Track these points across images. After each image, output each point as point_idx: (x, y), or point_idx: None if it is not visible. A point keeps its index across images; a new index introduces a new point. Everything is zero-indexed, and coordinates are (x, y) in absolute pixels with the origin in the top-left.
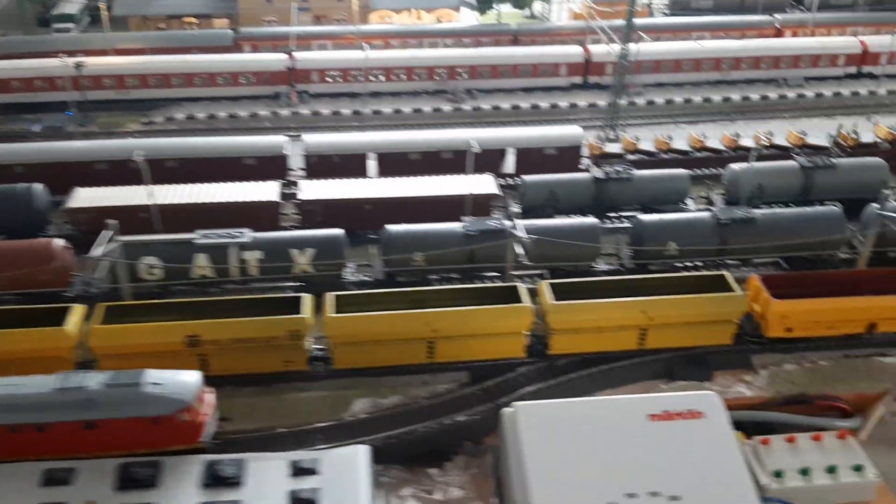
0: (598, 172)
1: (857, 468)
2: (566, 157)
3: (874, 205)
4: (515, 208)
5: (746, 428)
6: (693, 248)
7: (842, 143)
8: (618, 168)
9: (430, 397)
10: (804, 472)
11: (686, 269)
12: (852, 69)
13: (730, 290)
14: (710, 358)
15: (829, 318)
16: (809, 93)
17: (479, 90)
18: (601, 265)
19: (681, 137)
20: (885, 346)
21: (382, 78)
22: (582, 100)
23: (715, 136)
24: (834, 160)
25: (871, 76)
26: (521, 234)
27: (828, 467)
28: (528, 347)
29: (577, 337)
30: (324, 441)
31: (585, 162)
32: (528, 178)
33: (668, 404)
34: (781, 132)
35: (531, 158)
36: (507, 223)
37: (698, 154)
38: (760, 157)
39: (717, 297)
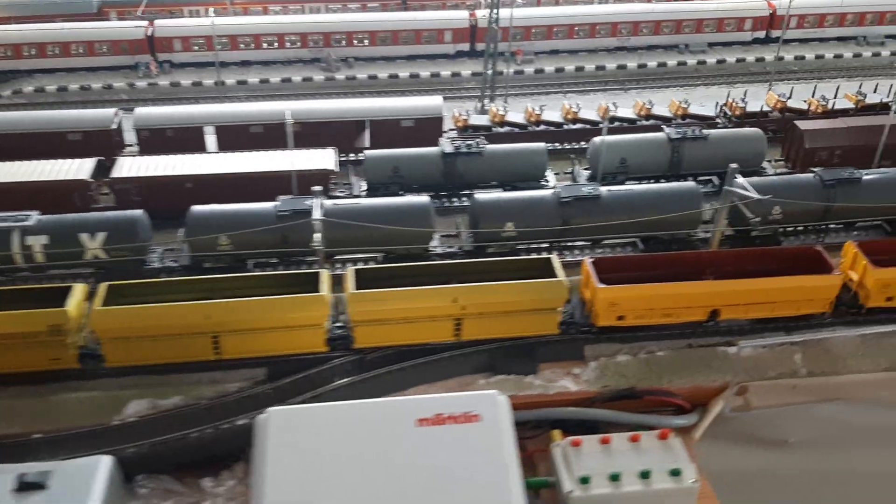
0: (446, 146)
1: (675, 472)
2: (425, 129)
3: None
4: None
5: (571, 427)
6: (532, 230)
7: (728, 112)
8: (468, 142)
9: (215, 398)
10: (614, 477)
11: (530, 252)
12: (761, 33)
13: (554, 275)
14: (538, 349)
15: (664, 304)
16: (711, 59)
17: (357, 59)
18: (443, 248)
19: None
20: (730, 335)
21: (253, 46)
22: (468, 68)
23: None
24: (705, 132)
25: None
26: (315, 214)
27: (641, 472)
28: (333, 341)
29: (383, 328)
30: (85, 449)
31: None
32: (370, 152)
33: (442, 407)
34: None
35: (386, 131)
36: (311, 202)
37: (572, 126)
38: (635, 129)
39: (535, 284)
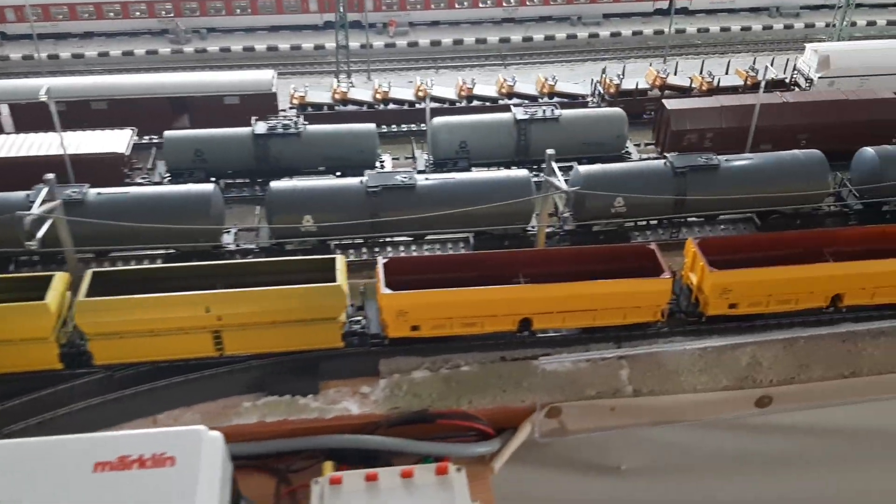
0: (259, 127)
1: None
2: (253, 107)
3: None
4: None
5: (352, 457)
6: (334, 224)
7: (601, 90)
8: (285, 122)
9: None
10: None
11: (341, 249)
12: (663, 3)
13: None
14: (321, 365)
15: (464, 312)
16: (605, 32)
17: (211, 30)
18: (238, 245)
19: (440, 84)
20: (550, 347)
21: (96, 16)
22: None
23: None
24: (557, 112)
25: (686, 11)
26: (35, 208)
27: None
28: (70, 357)
29: (126, 342)
30: None
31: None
32: (169, 133)
33: (128, 447)
34: (565, 78)
35: (207, 110)
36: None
37: (423, 105)
38: (493, 109)
39: (305, 290)
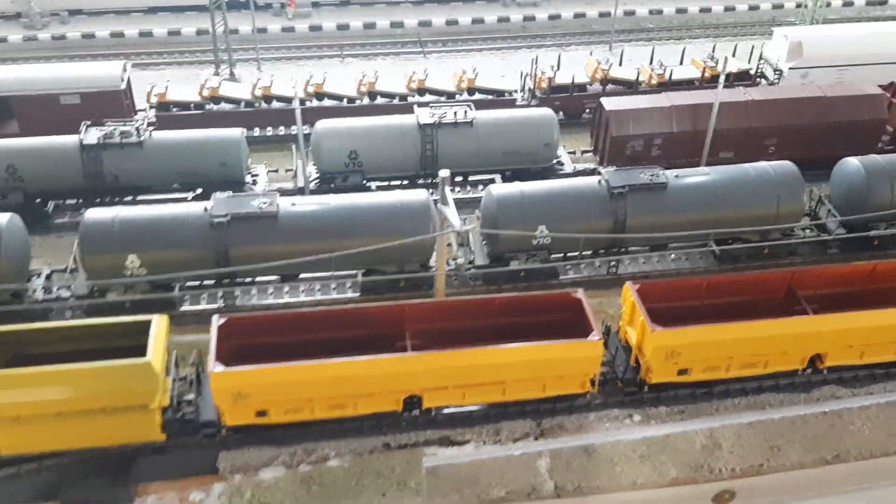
0: (90, 135)
1: None
2: (99, 108)
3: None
4: None
5: None
6: (167, 265)
7: (532, 86)
8: (124, 128)
9: None
10: None
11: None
12: None
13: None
14: (140, 462)
15: (322, 392)
16: (542, 15)
17: (74, 12)
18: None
19: (342, 76)
20: (441, 428)
21: None
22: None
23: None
24: (471, 114)
25: None
26: None
27: None
28: None
29: None
30: None
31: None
32: None
33: None
34: (494, 69)
35: (40, 112)
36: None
37: (317, 103)
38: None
39: (100, 370)
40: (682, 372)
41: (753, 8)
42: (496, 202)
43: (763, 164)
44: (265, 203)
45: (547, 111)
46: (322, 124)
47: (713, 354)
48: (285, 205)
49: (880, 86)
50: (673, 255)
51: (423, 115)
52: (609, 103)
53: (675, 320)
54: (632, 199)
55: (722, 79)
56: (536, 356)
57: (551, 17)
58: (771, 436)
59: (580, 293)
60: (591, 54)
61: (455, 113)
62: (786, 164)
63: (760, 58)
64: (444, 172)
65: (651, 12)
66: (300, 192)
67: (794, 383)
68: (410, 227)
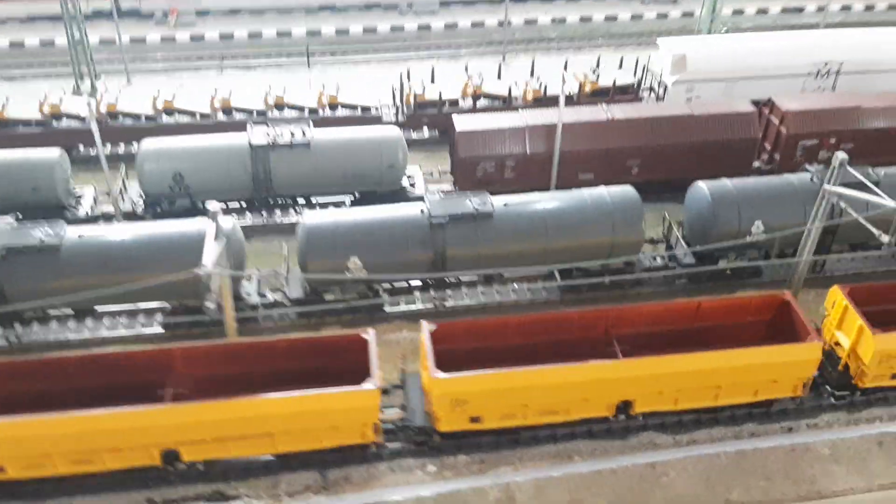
0: None
1: None
2: None
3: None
4: None
5: None
6: None
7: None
8: None
9: None
10: None
11: None
12: None
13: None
14: None
15: (62, 447)
16: (438, 23)
17: None
18: None
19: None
20: (211, 482)
21: None
22: (103, 33)
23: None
24: (311, 134)
25: None
26: None
27: None
28: None
29: None
30: None
31: None
32: None
33: None
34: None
35: None
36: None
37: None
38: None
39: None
40: (474, 419)
41: (662, 16)
42: (305, 233)
43: (601, 190)
44: (49, 235)
45: (393, 131)
46: (146, 144)
47: (505, 401)
48: (72, 236)
49: (755, 102)
50: (515, 285)
51: (257, 136)
52: (460, 122)
53: (475, 363)
54: (453, 229)
55: (576, 93)
56: (314, 406)
57: (448, 27)
58: (575, 489)
59: (369, 333)
60: (465, 68)
61: (292, 133)
62: (625, 191)
63: (644, 70)
64: (213, 206)
65: (554, 20)
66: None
67: (611, 429)
68: (189, 259)
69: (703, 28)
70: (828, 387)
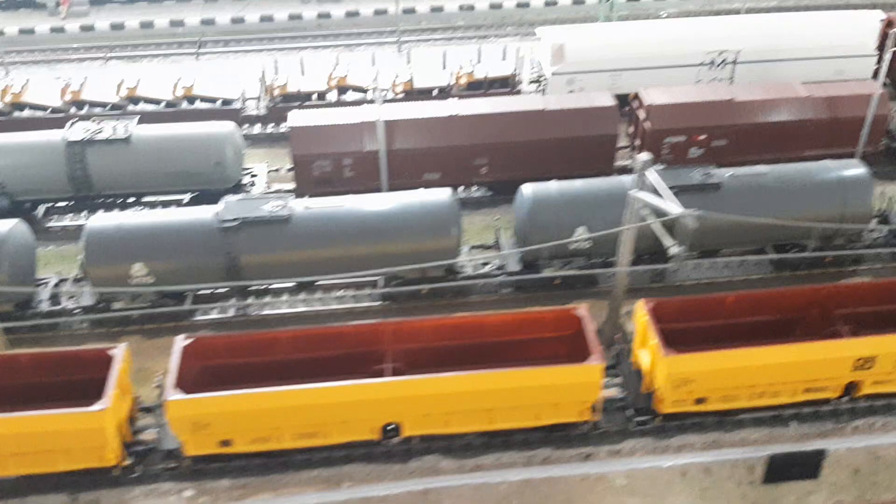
0: None
1: None
2: None
3: None
4: None
5: None
6: None
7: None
8: None
9: None
10: None
11: None
12: None
13: None
14: None
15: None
16: (339, 12)
17: None
18: None
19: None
20: None
21: None
22: None
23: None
24: (131, 129)
25: None
26: None
27: None
28: None
29: None
30: None
31: None
32: None
33: None
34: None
35: None
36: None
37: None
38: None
39: None
40: (224, 443)
41: (579, 2)
42: (86, 237)
43: (420, 192)
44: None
45: (225, 126)
46: None
47: (254, 424)
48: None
49: (619, 95)
50: (340, 291)
51: (74, 132)
52: (295, 118)
53: (240, 381)
54: (247, 233)
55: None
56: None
57: (349, 15)
58: None
59: (118, 350)
60: (336, 58)
61: (114, 128)
62: (441, 193)
63: (522, 61)
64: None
65: (461, 8)
66: None
67: (391, 452)
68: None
69: (600, 15)
70: (631, 411)
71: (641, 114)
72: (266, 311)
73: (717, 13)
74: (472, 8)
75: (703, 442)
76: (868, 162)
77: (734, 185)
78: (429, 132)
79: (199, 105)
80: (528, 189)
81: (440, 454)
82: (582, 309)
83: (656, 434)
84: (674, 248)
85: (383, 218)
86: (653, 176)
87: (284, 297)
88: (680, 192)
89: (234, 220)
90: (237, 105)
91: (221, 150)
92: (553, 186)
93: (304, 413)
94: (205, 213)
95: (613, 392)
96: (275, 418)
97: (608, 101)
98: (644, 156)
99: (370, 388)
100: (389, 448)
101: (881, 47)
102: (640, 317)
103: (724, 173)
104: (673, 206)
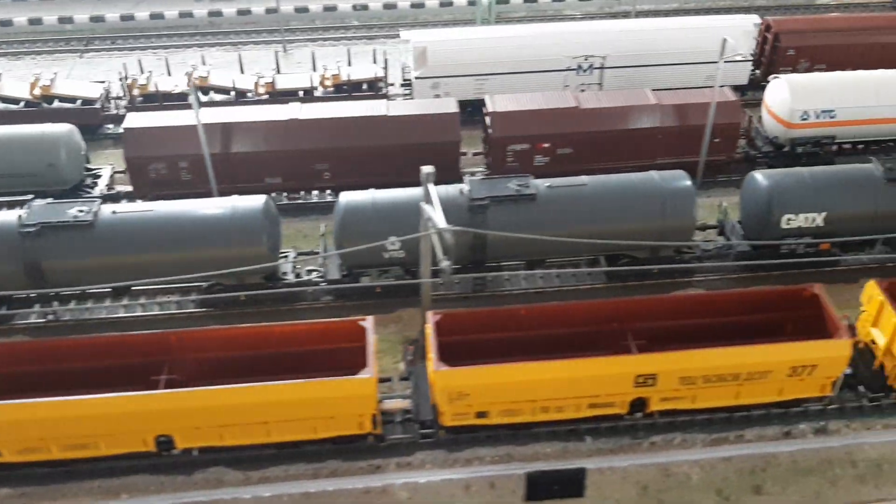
0: None
1: None
2: None
3: None
4: None
5: None
6: None
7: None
8: None
9: None
10: None
11: None
12: None
13: None
14: None
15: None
16: (230, 9)
17: None
18: None
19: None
20: None
21: None
22: None
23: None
24: None
25: None
26: None
27: None
28: None
29: None
30: None
31: None
32: None
33: None
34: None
35: None
36: None
37: None
38: None
39: None
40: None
41: (472, 3)
42: None
43: (232, 199)
44: None
45: (61, 127)
46: None
47: (20, 434)
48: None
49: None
50: (169, 296)
51: None
52: (130, 119)
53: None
54: (48, 239)
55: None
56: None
57: (240, 13)
58: None
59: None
60: (202, 60)
61: None
62: (252, 201)
63: (386, 64)
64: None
65: (355, 7)
66: None
67: (176, 463)
68: None
69: (477, 18)
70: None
71: (487, 120)
72: (86, 316)
73: (615, 16)
74: (366, 7)
75: (494, 455)
76: (728, 171)
77: (550, 195)
78: (268, 136)
79: (58, 105)
80: (343, 197)
81: (225, 466)
82: (368, 321)
83: (448, 446)
84: (444, 262)
85: (192, 224)
86: (432, 188)
87: (107, 303)
88: (494, 202)
89: (35, 224)
90: (98, 105)
91: (55, 152)
92: (369, 195)
93: (70, 424)
94: (8, 218)
95: (404, 404)
96: (43, 429)
97: (451, 107)
98: (427, 168)
99: (135, 401)
100: (174, 459)
101: (762, 52)
102: (427, 329)
103: (543, 184)
104: (438, 219)
